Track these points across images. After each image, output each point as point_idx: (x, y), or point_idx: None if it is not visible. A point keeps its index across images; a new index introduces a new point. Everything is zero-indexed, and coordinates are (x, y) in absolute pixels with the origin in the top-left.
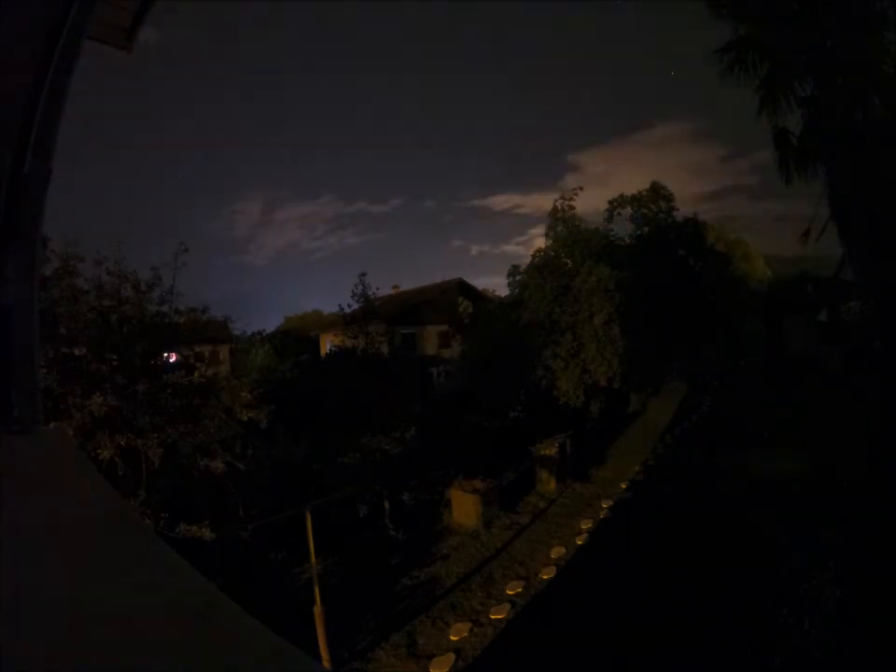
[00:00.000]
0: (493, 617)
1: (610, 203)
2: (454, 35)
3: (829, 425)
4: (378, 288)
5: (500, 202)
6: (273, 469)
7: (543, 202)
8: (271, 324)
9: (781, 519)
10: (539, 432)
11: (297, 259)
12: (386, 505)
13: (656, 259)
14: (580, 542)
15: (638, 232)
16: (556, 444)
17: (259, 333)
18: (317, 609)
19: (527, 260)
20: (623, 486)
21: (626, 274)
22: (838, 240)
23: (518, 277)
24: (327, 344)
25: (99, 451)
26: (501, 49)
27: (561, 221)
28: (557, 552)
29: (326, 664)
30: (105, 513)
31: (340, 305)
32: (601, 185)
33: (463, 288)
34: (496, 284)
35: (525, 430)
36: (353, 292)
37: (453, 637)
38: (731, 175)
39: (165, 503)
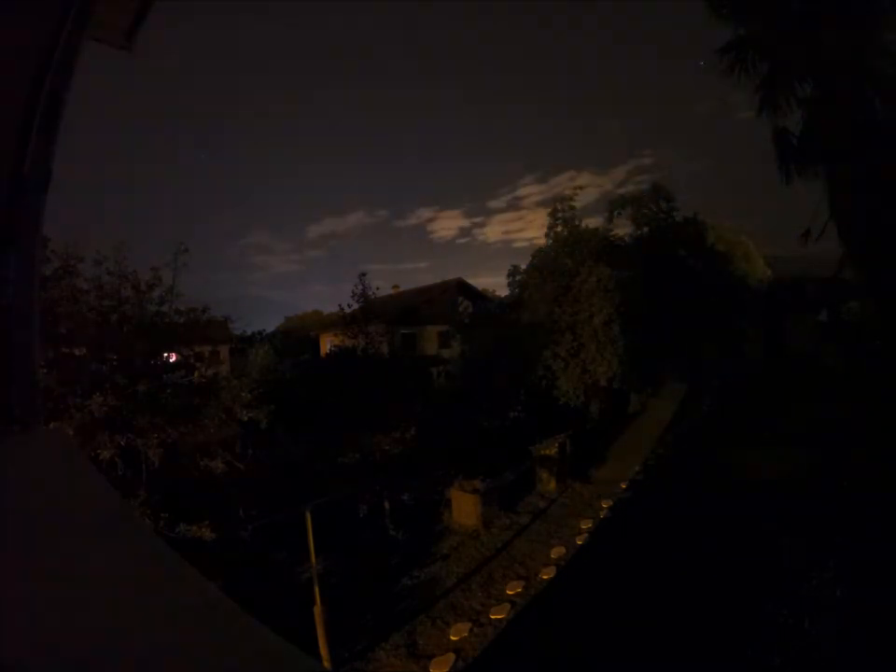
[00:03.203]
0: (493, 617)
1: (611, 203)
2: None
3: (829, 425)
4: (378, 288)
5: None
6: (273, 468)
7: None
8: (271, 324)
9: (781, 519)
10: (539, 432)
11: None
12: (386, 505)
13: (656, 259)
14: (580, 542)
15: (638, 232)
16: (556, 444)
17: (260, 333)
18: (317, 609)
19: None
20: (623, 486)
21: (626, 274)
22: (838, 240)
23: (518, 277)
24: (327, 344)
25: (99, 451)
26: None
27: (561, 221)
28: (557, 552)
29: (326, 664)
30: (104, 513)
31: (340, 305)
32: None
33: (463, 288)
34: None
35: (525, 430)
36: (353, 292)
37: (453, 637)
38: None
39: (165, 503)
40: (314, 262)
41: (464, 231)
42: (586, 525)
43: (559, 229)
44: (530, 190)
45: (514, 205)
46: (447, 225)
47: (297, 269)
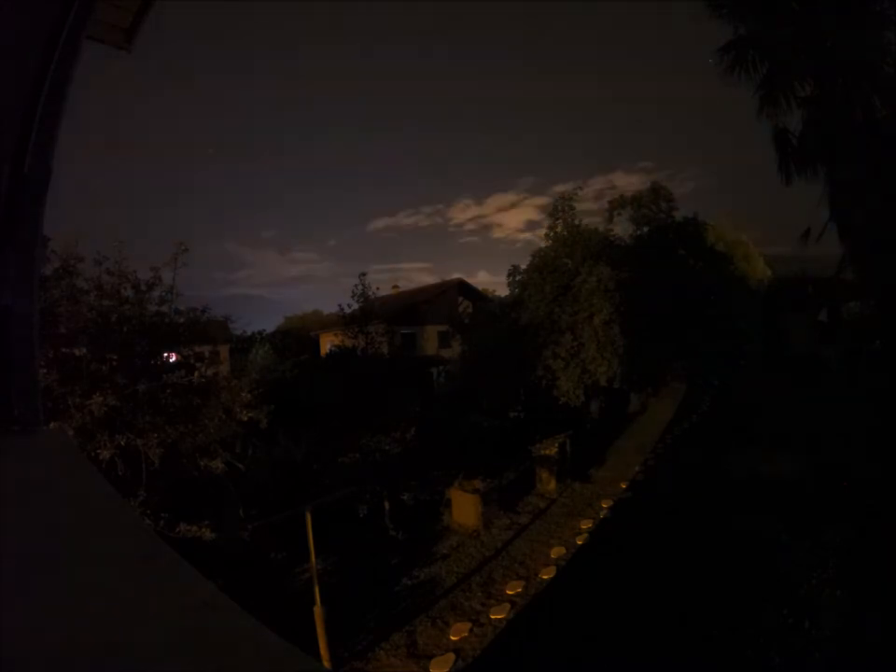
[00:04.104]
0: (493, 617)
1: (610, 203)
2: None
3: (829, 425)
4: (378, 288)
5: None
6: (272, 468)
7: None
8: (271, 324)
9: (781, 519)
10: (539, 432)
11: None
12: (386, 505)
13: (656, 258)
14: (580, 542)
15: (638, 232)
16: (556, 444)
17: (260, 333)
18: (317, 609)
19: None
20: (623, 486)
21: (626, 274)
22: (838, 240)
23: (518, 277)
24: (327, 344)
25: (99, 451)
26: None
27: (561, 221)
28: (557, 552)
29: (326, 664)
30: (104, 513)
31: (339, 305)
32: None
33: (463, 288)
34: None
35: (525, 430)
36: (353, 292)
37: (453, 637)
38: None
39: (165, 503)
40: (355, 259)
41: (530, 225)
42: (586, 525)
43: (559, 229)
44: (625, 181)
45: (600, 196)
46: (518, 217)
47: (331, 266)
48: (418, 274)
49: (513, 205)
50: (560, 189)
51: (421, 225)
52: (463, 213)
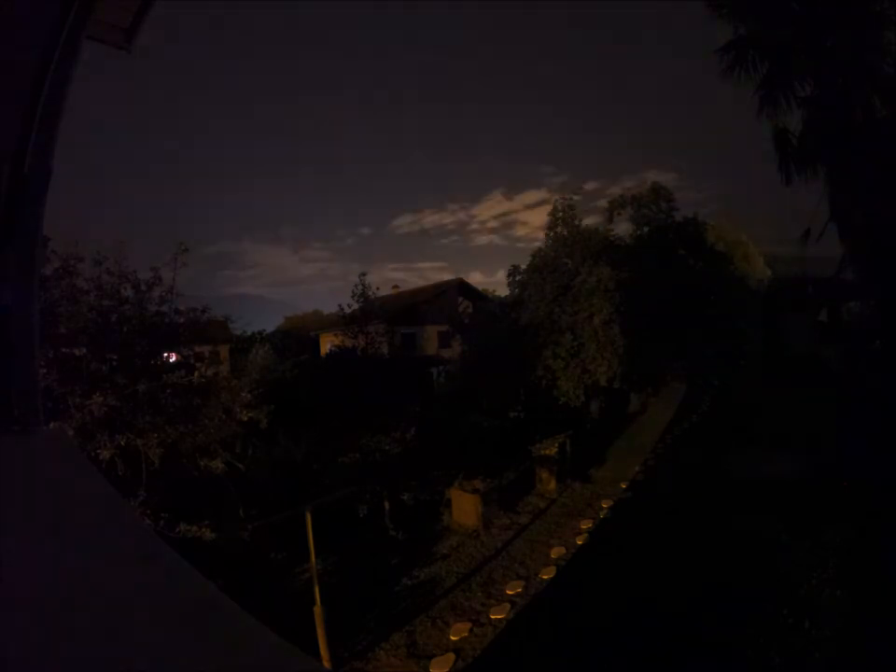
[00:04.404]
0: (493, 617)
1: (610, 203)
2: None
3: (829, 425)
4: (378, 288)
5: None
6: (272, 468)
7: None
8: (271, 324)
9: (781, 519)
10: (539, 432)
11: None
12: (386, 505)
13: (656, 258)
14: (580, 542)
15: (638, 232)
16: (556, 444)
17: (260, 333)
18: (317, 609)
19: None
20: (624, 486)
21: (626, 274)
22: (838, 240)
23: (518, 277)
24: (327, 344)
25: (99, 451)
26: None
27: (561, 221)
28: (557, 552)
29: (326, 664)
30: (104, 513)
31: (340, 305)
32: None
33: (463, 288)
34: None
35: (525, 430)
36: (353, 292)
37: (453, 637)
38: None
39: (165, 503)
40: (372, 259)
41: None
42: (586, 525)
43: (559, 229)
44: (658, 180)
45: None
46: (543, 216)
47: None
48: (437, 273)
49: (542, 202)
50: (590, 186)
51: (443, 222)
52: (489, 210)
